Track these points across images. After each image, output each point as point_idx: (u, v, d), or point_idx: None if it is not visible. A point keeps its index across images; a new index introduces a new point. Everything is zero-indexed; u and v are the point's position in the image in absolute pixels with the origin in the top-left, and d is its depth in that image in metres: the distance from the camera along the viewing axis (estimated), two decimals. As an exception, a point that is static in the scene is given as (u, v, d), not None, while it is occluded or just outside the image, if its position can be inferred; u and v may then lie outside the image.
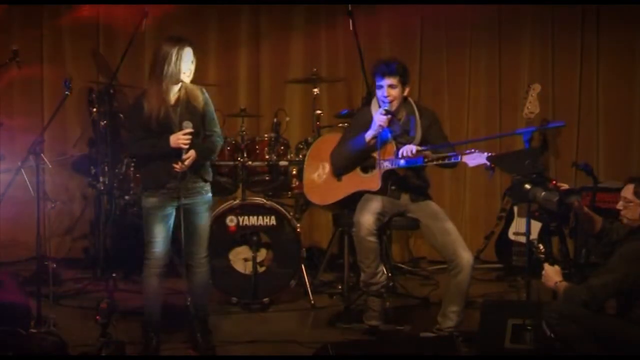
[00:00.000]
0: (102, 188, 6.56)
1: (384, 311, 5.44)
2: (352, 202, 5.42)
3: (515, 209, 6.74)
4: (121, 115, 6.71)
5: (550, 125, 6.52)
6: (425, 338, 5.11)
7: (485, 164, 5.02)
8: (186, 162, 4.79)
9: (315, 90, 6.66)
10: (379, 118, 5.24)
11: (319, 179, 5.60)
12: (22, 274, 6.39)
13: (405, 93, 5.34)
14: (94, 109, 6.61)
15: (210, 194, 5.03)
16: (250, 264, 6.03)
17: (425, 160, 5.20)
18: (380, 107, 5.31)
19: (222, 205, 6.14)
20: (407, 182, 5.36)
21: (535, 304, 4.61)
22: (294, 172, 6.25)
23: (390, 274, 5.97)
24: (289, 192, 6.41)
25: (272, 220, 6.07)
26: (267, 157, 6.25)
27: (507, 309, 4.82)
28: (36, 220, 5.28)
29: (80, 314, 5.77)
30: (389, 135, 5.29)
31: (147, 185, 4.95)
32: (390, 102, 5.28)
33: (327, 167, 5.56)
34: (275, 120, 6.41)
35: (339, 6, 7.17)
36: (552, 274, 4.44)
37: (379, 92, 5.32)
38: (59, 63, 7.32)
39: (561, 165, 7.36)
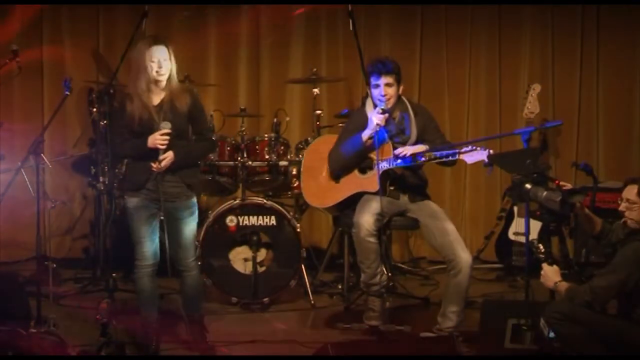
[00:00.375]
0: (102, 188, 6.55)
1: (384, 311, 5.44)
2: (351, 202, 5.42)
3: (515, 209, 6.74)
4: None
5: (548, 124, 6.51)
6: (425, 338, 5.12)
7: (483, 161, 5.02)
8: (162, 163, 4.77)
9: (315, 90, 6.66)
10: (376, 117, 5.22)
11: (316, 182, 5.58)
12: (22, 274, 6.38)
13: (400, 91, 5.34)
14: (94, 109, 6.60)
15: (194, 199, 4.96)
16: (250, 264, 6.03)
17: (423, 158, 5.20)
18: (375, 106, 5.30)
19: (222, 205, 6.15)
20: (405, 182, 5.36)
21: (535, 303, 4.61)
22: (294, 172, 6.24)
23: (390, 274, 5.97)
24: (289, 192, 6.41)
25: (272, 220, 6.07)
26: (267, 157, 6.25)
27: (507, 309, 4.82)
28: (36, 220, 5.28)
29: (80, 314, 5.77)
30: (386, 134, 5.28)
31: (128, 186, 4.98)
32: (387, 100, 5.27)
33: (324, 170, 5.54)
34: (275, 120, 6.41)
35: (339, 6, 7.18)
36: (551, 274, 4.43)
37: (375, 91, 5.31)
38: (59, 63, 7.32)
39: (561, 165, 7.35)
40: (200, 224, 6.37)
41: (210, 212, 6.25)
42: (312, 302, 6.10)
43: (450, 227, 5.28)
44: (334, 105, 7.22)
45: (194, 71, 6.98)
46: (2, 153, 5.93)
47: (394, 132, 5.34)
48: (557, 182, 4.54)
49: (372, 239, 5.22)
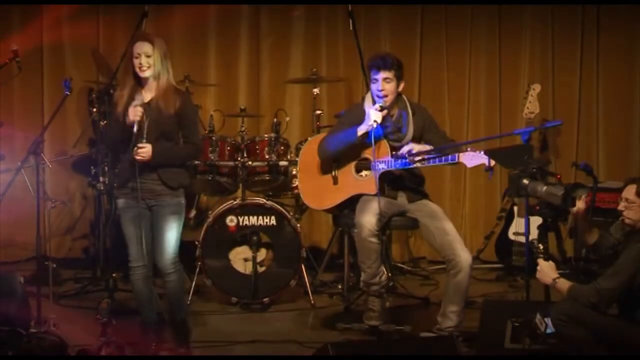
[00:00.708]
0: (102, 188, 6.55)
1: (384, 311, 5.42)
2: (349, 204, 5.41)
3: (515, 209, 6.75)
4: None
5: (548, 124, 6.51)
6: (425, 338, 5.11)
7: (484, 165, 5.02)
8: (139, 151, 4.74)
9: (315, 90, 6.66)
10: (373, 114, 5.18)
11: (314, 183, 5.56)
12: (22, 274, 6.38)
13: (400, 88, 5.31)
14: (94, 109, 6.60)
15: (179, 199, 4.90)
16: (250, 264, 6.04)
17: (423, 161, 5.19)
18: (374, 102, 5.28)
19: (222, 205, 6.15)
20: (402, 182, 5.35)
21: (535, 303, 4.61)
22: (294, 172, 6.23)
23: (390, 274, 5.97)
24: (289, 192, 6.41)
25: (272, 220, 6.07)
26: (267, 157, 6.25)
27: (507, 309, 4.82)
28: (36, 220, 5.28)
29: (80, 314, 5.77)
30: (382, 132, 5.26)
31: (116, 181, 5.02)
32: (385, 96, 5.25)
33: (321, 170, 5.53)
34: (275, 120, 6.41)
35: (339, 6, 7.18)
36: (547, 269, 4.40)
37: (373, 86, 5.29)
38: (59, 63, 7.32)
39: (561, 165, 7.35)
40: (200, 224, 6.42)
41: (210, 212, 6.26)
42: (312, 302, 6.10)
43: (449, 226, 5.26)
44: (334, 105, 7.22)
45: (194, 71, 6.99)
46: (2, 153, 5.92)
47: (390, 130, 5.31)
48: (558, 176, 4.53)
49: (374, 239, 5.20)
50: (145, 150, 4.76)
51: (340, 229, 6.28)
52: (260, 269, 6.05)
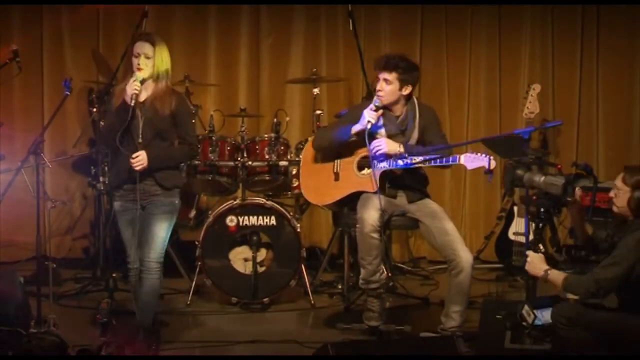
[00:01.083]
0: (102, 188, 6.55)
1: (384, 311, 5.42)
2: (349, 200, 5.42)
3: (515, 209, 6.75)
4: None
5: (548, 124, 6.52)
6: (425, 338, 5.11)
7: (484, 168, 5.02)
8: (135, 162, 4.75)
9: (315, 90, 6.65)
10: (368, 113, 5.18)
11: (315, 179, 5.56)
12: (22, 274, 6.38)
13: (404, 92, 5.27)
14: (94, 109, 6.60)
15: (172, 199, 4.90)
16: (250, 264, 6.03)
17: (424, 161, 5.19)
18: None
19: (222, 205, 6.14)
20: (403, 181, 5.34)
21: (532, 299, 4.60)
22: (294, 172, 6.23)
23: (390, 274, 5.97)
24: (289, 192, 6.41)
25: (272, 220, 6.07)
26: (267, 157, 6.25)
27: (507, 309, 4.82)
28: (36, 220, 5.28)
29: (80, 314, 5.77)
30: (377, 131, 5.25)
31: (110, 181, 5.03)
32: (381, 97, 5.24)
33: (324, 166, 5.53)
34: (275, 120, 6.40)
35: (339, 6, 7.18)
36: (537, 261, 4.35)
37: (376, 85, 5.30)
38: (59, 63, 7.32)
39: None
40: (200, 224, 6.42)
41: (210, 212, 6.26)
42: (312, 302, 6.09)
43: (450, 226, 5.25)
44: (334, 105, 7.22)
45: (194, 71, 6.99)
46: (2, 153, 5.92)
47: (393, 132, 5.31)
48: (558, 166, 4.53)
49: (376, 235, 5.18)
50: (140, 159, 4.77)
51: (340, 229, 6.28)
52: (260, 269, 6.04)
